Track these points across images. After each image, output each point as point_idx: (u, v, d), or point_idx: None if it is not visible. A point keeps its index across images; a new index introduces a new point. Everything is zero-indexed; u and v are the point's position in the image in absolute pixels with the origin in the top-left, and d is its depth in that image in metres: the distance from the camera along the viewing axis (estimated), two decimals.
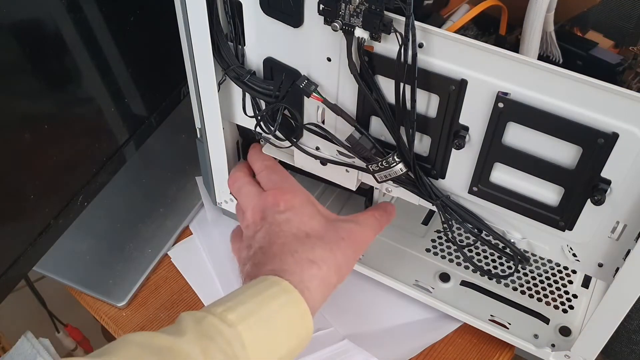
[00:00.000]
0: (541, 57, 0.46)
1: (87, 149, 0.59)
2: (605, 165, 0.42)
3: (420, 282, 0.63)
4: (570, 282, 0.63)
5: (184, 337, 0.41)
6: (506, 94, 0.42)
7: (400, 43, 0.41)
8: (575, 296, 0.62)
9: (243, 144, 0.65)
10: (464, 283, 0.63)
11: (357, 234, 0.53)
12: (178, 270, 0.69)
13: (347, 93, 0.49)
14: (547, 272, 0.64)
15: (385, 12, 0.41)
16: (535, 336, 0.58)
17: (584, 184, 0.43)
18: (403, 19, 0.40)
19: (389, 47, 0.44)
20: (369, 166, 0.50)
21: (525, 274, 0.64)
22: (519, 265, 0.52)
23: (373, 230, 0.56)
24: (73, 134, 0.57)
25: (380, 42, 0.44)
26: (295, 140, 0.55)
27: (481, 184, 0.48)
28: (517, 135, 0.44)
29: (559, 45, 0.46)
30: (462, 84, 0.43)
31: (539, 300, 0.61)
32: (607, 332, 0.50)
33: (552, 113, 0.41)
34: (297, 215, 0.52)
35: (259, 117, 0.55)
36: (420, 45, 0.43)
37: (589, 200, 0.44)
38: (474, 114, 0.44)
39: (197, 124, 0.59)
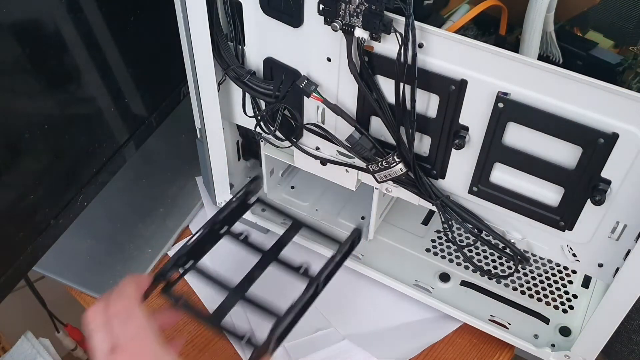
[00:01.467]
0: (541, 57, 0.46)
1: (87, 149, 0.59)
2: (605, 165, 0.42)
3: (420, 282, 0.63)
4: (570, 282, 0.63)
5: None
6: (506, 94, 0.42)
7: (400, 43, 0.41)
8: (575, 296, 0.62)
9: (243, 144, 0.65)
10: (464, 283, 0.63)
11: None
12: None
13: (347, 93, 0.49)
14: (547, 272, 0.64)
15: (385, 12, 0.41)
16: (535, 336, 0.58)
17: (584, 184, 0.43)
18: (403, 19, 0.40)
19: (388, 47, 0.44)
20: (369, 166, 0.50)
21: (525, 274, 0.64)
22: (519, 265, 0.52)
23: None
24: (73, 134, 0.57)
25: (380, 42, 0.44)
26: (295, 140, 0.55)
27: (481, 184, 0.48)
28: (517, 135, 0.44)
29: (559, 45, 0.46)
30: (462, 84, 0.43)
31: (539, 300, 0.61)
32: (607, 332, 0.50)
33: (552, 113, 0.41)
34: None
35: (259, 117, 0.55)
36: (420, 45, 0.43)
37: (589, 200, 0.44)
38: (474, 114, 0.44)
39: (197, 124, 0.59)
